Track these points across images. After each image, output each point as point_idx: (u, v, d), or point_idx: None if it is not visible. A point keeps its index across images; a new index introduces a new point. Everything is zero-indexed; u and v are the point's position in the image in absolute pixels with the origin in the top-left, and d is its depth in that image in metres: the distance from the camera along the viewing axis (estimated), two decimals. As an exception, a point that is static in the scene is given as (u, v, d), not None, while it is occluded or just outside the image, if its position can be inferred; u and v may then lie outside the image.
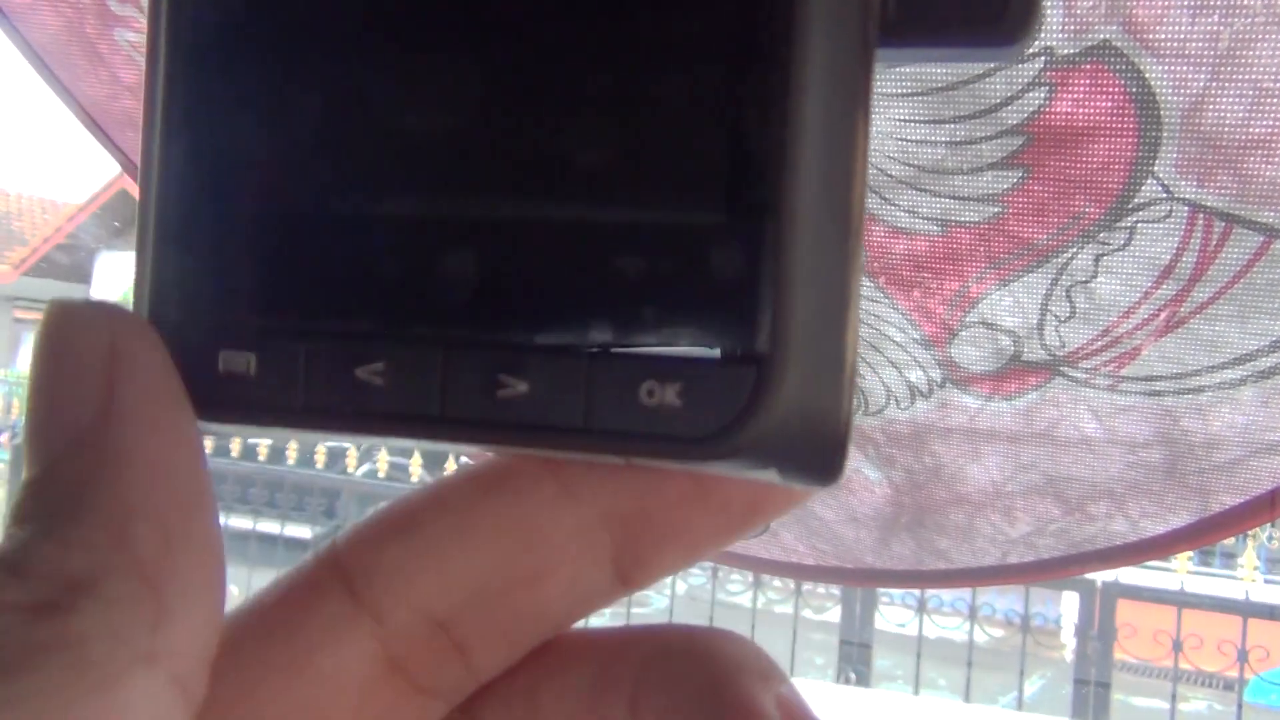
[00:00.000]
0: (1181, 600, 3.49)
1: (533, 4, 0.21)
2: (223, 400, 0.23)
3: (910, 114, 0.55)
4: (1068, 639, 3.80)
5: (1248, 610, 3.35)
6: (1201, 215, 0.54)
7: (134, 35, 0.75)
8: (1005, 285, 0.60)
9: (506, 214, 0.21)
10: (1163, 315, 0.58)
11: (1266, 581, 5.64)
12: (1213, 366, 0.59)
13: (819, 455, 0.21)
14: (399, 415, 0.22)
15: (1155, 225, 0.55)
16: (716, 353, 0.20)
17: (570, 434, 0.21)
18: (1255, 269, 0.55)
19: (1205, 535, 0.70)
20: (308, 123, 0.22)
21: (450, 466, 4.43)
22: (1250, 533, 5.54)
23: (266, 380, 0.22)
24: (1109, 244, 0.56)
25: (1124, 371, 0.61)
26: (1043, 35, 0.50)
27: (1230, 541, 5.87)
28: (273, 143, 0.22)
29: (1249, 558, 4.05)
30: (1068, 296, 0.59)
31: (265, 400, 0.22)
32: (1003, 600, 4.05)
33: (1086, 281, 0.58)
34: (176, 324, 0.23)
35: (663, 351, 0.20)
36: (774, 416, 0.20)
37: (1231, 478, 0.64)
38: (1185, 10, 0.47)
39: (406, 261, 0.22)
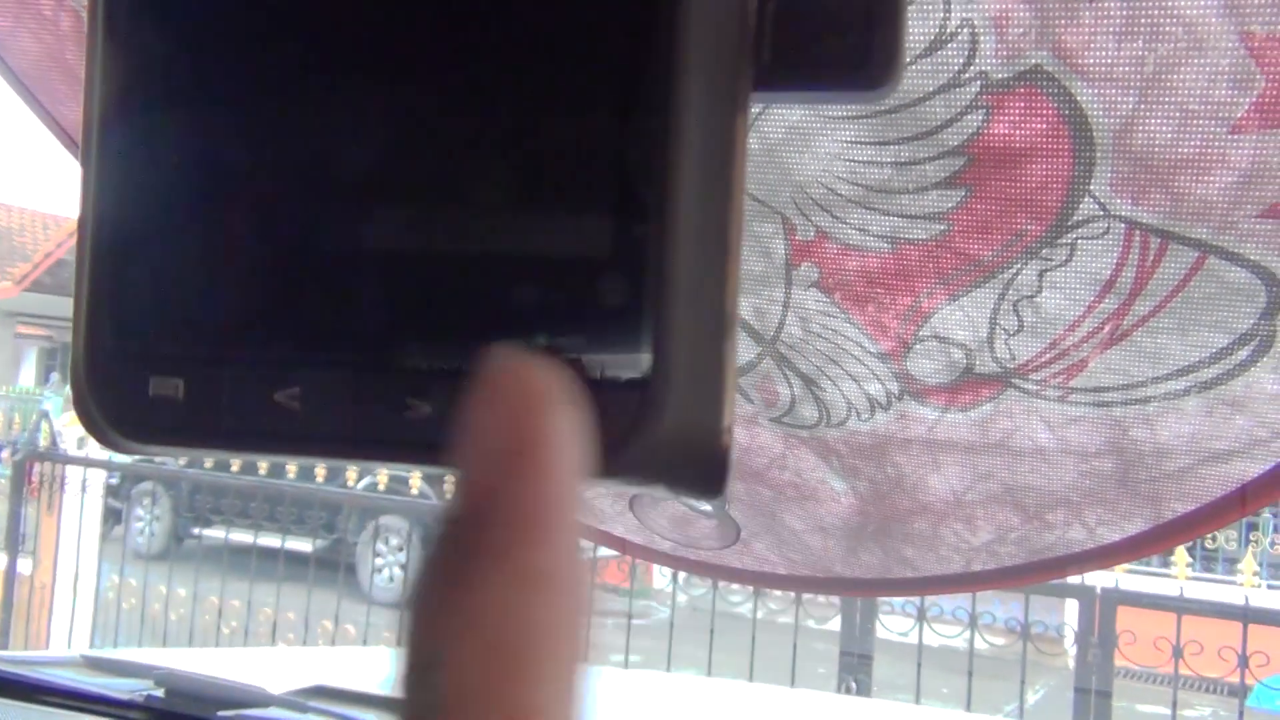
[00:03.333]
0: (1182, 606, 3.48)
1: (436, 52, 0.22)
2: (153, 423, 0.24)
3: (856, 135, 0.56)
4: (1069, 647, 3.78)
5: (1248, 616, 3.34)
6: (1138, 232, 0.55)
7: (114, 62, 0.76)
8: (955, 300, 0.61)
9: (412, 247, 0.23)
10: (1106, 328, 0.59)
11: (1268, 586, 5.62)
12: (1157, 378, 0.61)
13: (702, 472, 0.22)
14: (315, 436, 0.23)
15: (1094, 241, 0.56)
16: (606, 377, 0.21)
17: None
18: (1192, 283, 0.56)
19: (1169, 538, 0.72)
20: (227, 162, 0.24)
21: (450, 478, 4.41)
22: (1251, 538, 5.52)
23: (193, 404, 0.24)
24: (1051, 260, 0.58)
25: (1073, 383, 0.63)
26: (977, 60, 0.51)
27: (1231, 547, 5.86)
28: (195, 181, 0.24)
29: (1249, 563, 4.04)
30: (1015, 310, 0.61)
31: (192, 423, 0.24)
32: (1003, 608, 4.05)
33: (1032, 296, 0.60)
34: (110, 351, 0.24)
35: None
36: (657, 437, 0.21)
37: (1181, 485, 0.66)
38: (1111, 36, 0.48)
39: (321, 292, 0.23)
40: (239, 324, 0.24)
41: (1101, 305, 0.59)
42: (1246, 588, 3.87)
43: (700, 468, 0.22)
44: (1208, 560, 6.54)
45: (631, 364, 0.21)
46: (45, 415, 5.00)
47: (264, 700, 1.26)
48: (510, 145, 0.22)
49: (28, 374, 13.64)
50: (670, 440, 0.21)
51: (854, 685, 3.79)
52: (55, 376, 11.91)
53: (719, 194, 0.22)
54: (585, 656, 0.19)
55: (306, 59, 0.23)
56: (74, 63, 0.77)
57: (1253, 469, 0.64)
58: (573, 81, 0.22)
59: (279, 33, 0.23)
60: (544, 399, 0.20)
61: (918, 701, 3.65)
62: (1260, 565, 4.71)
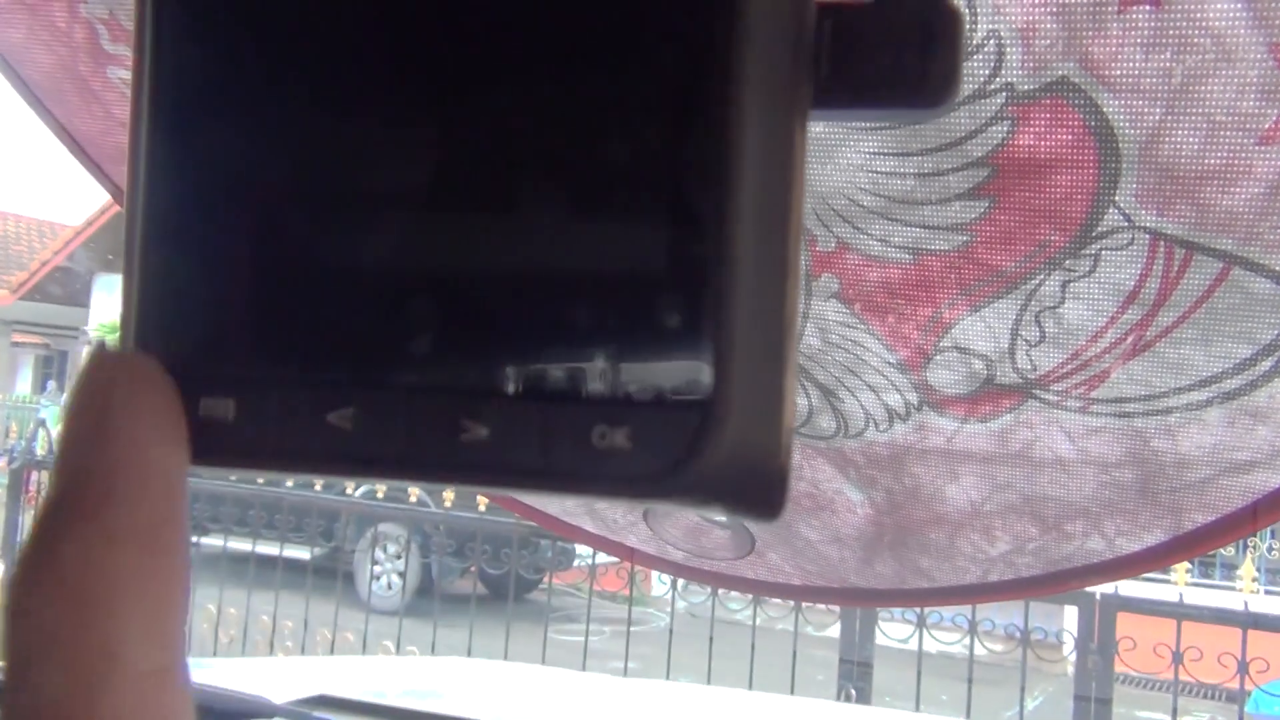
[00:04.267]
0: (1181, 613, 3.48)
1: (493, 69, 0.22)
2: (204, 443, 0.24)
3: (879, 147, 0.56)
4: (1069, 653, 3.78)
5: (1247, 621, 3.34)
6: (1162, 243, 0.55)
7: (126, 72, 0.76)
8: (976, 311, 0.61)
9: (468, 268, 0.22)
10: (1129, 339, 0.59)
11: (1267, 592, 5.63)
12: (1179, 388, 0.61)
13: (760, 491, 0.22)
14: (368, 458, 0.23)
15: (1118, 252, 0.56)
16: (665, 397, 0.21)
17: (528, 475, 0.22)
18: (1216, 294, 0.56)
19: (1186, 550, 0.72)
20: (278, 183, 0.24)
21: (448, 492, 4.41)
22: (1250, 544, 5.53)
23: (244, 425, 0.24)
24: (1075, 270, 0.57)
25: (1094, 394, 0.63)
26: (1003, 71, 0.51)
27: (1230, 553, 5.87)
28: (247, 199, 0.24)
29: (1248, 569, 4.04)
30: (1037, 321, 0.60)
31: (243, 444, 0.24)
32: (1003, 615, 4.05)
33: (1055, 307, 0.60)
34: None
35: (614, 396, 0.21)
36: (717, 456, 0.21)
37: (1202, 496, 0.66)
38: (1139, 48, 0.48)
39: (375, 312, 0.23)
40: (292, 344, 0.24)
41: (1125, 316, 0.59)
42: (1246, 593, 3.88)
43: (759, 488, 0.22)
44: (1206, 566, 6.55)
45: (691, 384, 0.21)
46: (43, 423, 4.99)
47: (268, 710, 1.26)
48: (569, 163, 0.22)
49: (24, 382, 13.63)
50: (729, 460, 0.21)
51: (853, 692, 3.78)
52: (52, 384, 11.89)
53: (778, 211, 0.22)
54: (181, 607, 0.22)
55: (362, 77, 0.23)
56: (87, 74, 0.77)
57: (1273, 480, 0.64)
58: (632, 99, 0.21)
59: (335, 48, 0.23)
60: (120, 383, 0.22)
61: (917, 708, 3.65)
62: (1259, 571, 4.71)
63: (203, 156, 0.24)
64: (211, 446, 0.24)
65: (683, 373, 0.21)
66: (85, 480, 0.22)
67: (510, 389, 0.22)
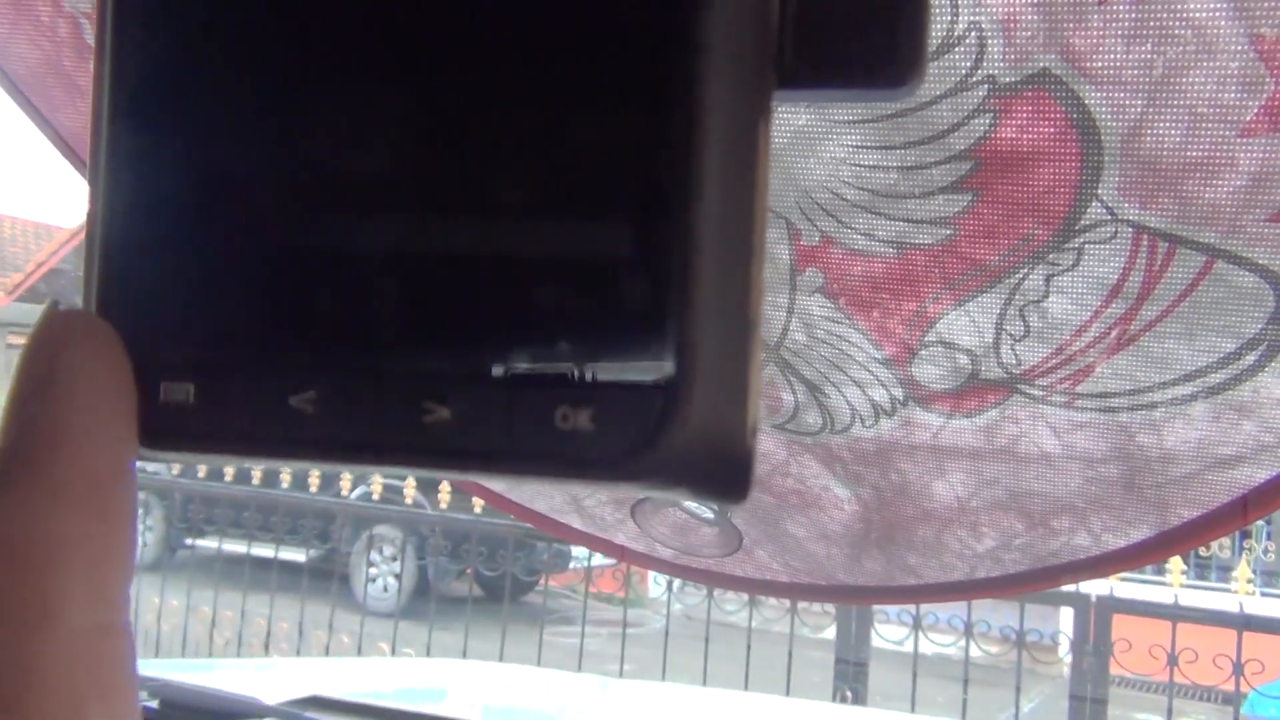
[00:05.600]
0: (1176, 614, 3.48)
1: (453, 51, 0.22)
2: (164, 428, 0.24)
3: (862, 140, 0.56)
4: (1064, 655, 3.79)
5: (1243, 623, 3.34)
6: (1146, 236, 0.55)
7: (111, 68, 0.76)
8: (961, 305, 0.61)
9: (428, 249, 0.22)
10: (1114, 333, 0.59)
11: (1262, 594, 5.62)
12: (1164, 383, 0.60)
13: (726, 475, 0.22)
14: (330, 442, 0.23)
15: (1102, 246, 0.56)
16: (629, 379, 0.21)
17: (491, 458, 0.22)
18: (1200, 288, 0.56)
19: (1172, 546, 0.71)
20: (240, 164, 0.23)
21: (444, 489, 4.41)
22: (1245, 546, 5.52)
23: (205, 409, 0.24)
24: (1058, 264, 0.57)
25: (1079, 388, 0.63)
26: (985, 64, 0.51)
27: (1225, 555, 5.87)
28: (204, 183, 0.24)
29: (1243, 571, 4.04)
30: (1021, 316, 0.60)
31: (204, 428, 0.24)
32: (998, 616, 4.05)
33: (1039, 301, 0.59)
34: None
35: (577, 378, 0.21)
36: (681, 439, 0.21)
37: (1187, 491, 0.65)
38: (1120, 39, 0.48)
39: (337, 295, 0.23)
40: (252, 327, 0.23)
41: (1109, 310, 0.58)
42: (1241, 595, 3.87)
43: (724, 471, 0.22)
44: (1202, 568, 6.55)
45: (655, 366, 0.21)
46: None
47: (259, 711, 1.26)
48: (529, 146, 0.22)
49: (19, 384, 13.58)
50: (694, 443, 0.21)
51: (849, 694, 3.78)
52: (46, 386, 11.84)
53: (742, 193, 0.22)
54: (126, 568, 0.21)
55: (321, 57, 0.23)
56: (71, 69, 0.77)
57: (1259, 475, 0.64)
58: (592, 83, 0.21)
59: (294, 27, 0.23)
60: (73, 340, 0.22)
61: (913, 710, 3.64)
62: (1254, 573, 4.71)
63: (163, 137, 0.24)
64: (172, 431, 0.24)
65: (647, 354, 0.21)
66: (31, 433, 0.21)
67: (472, 371, 0.22)
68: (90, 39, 0.73)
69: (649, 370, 0.21)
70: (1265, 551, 5.70)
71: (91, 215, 0.24)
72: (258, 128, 0.23)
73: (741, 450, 0.22)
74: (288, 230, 0.23)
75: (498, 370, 0.22)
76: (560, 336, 0.21)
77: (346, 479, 5.07)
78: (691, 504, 0.83)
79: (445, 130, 0.22)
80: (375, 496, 4.91)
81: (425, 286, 0.22)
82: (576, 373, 0.21)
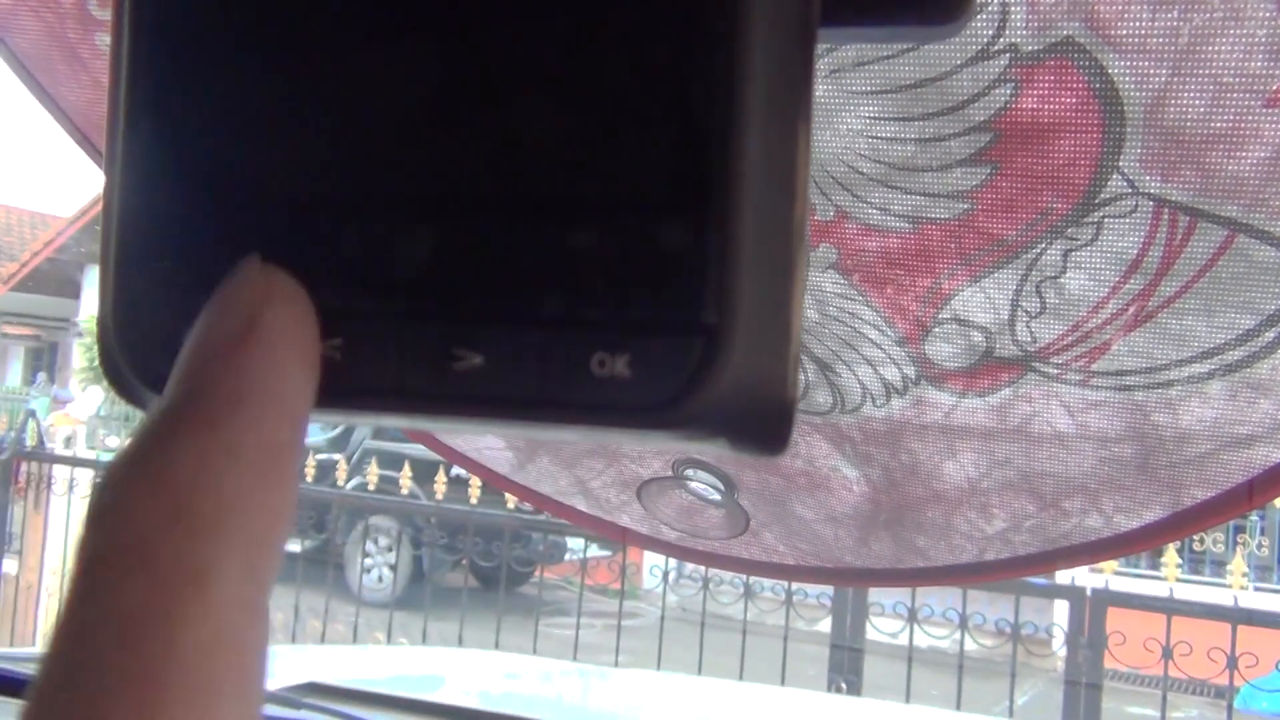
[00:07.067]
0: (1171, 608, 3.49)
1: None
2: None
3: (880, 112, 0.55)
4: (1059, 647, 3.79)
5: (1237, 617, 3.35)
6: (1166, 210, 0.54)
7: (114, 40, 0.75)
8: (976, 281, 0.60)
9: (461, 190, 0.22)
10: (1131, 310, 0.58)
11: (1256, 588, 5.64)
12: (1181, 360, 0.60)
13: (766, 424, 0.21)
14: (357, 389, 0.22)
15: (1122, 220, 0.55)
16: (668, 323, 0.20)
17: (523, 406, 0.21)
18: (1220, 263, 0.55)
19: (1182, 528, 0.71)
20: (268, 107, 0.23)
21: (440, 479, 4.41)
22: (1240, 540, 5.54)
23: None
24: (1077, 239, 0.57)
25: (1095, 366, 0.62)
26: (1007, 32, 0.50)
27: (1219, 549, 5.88)
28: (234, 128, 0.23)
29: (1238, 564, 4.05)
30: (1038, 292, 0.60)
31: None
32: (993, 609, 4.05)
33: (1056, 277, 0.59)
34: (141, 309, 0.23)
35: (614, 322, 0.21)
36: (721, 386, 0.20)
37: (1202, 471, 0.65)
38: (1146, 6, 0.47)
39: (364, 239, 0.22)
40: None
41: (1127, 286, 0.58)
42: (1235, 589, 3.88)
43: (765, 421, 0.21)
44: (1196, 562, 6.57)
45: (694, 310, 0.20)
46: (32, 414, 4.97)
47: (257, 697, 1.25)
48: (564, 78, 0.21)
49: (14, 374, 13.60)
50: (734, 392, 0.20)
51: (844, 686, 3.79)
52: (42, 376, 11.86)
53: (785, 132, 0.21)
54: (283, 543, 0.20)
55: (345, 8, 0.22)
56: (75, 42, 0.76)
57: (1275, 455, 0.63)
58: (632, 16, 0.21)
59: None
60: (266, 299, 0.21)
61: (908, 702, 3.65)
62: (1249, 567, 4.73)
63: (188, 78, 0.23)
64: None
65: (687, 298, 0.20)
66: (214, 388, 0.20)
67: (504, 315, 0.21)
68: (94, 9, 0.72)
69: (689, 314, 0.20)
70: (1260, 546, 5.71)
71: (109, 164, 0.24)
72: (280, 68, 0.22)
73: (783, 399, 0.21)
74: (313, 174, 0.22)
75: (532, 315, 0.21)
76: (597, 280, 0.21)
77: (342, 470, 5.07)
78: (698, 485, 0.83)
79: (479, 69, 0.21)
80: (371, 487, 4.91)
81: (455, 228, 0.22)
82: (614, 316, 0.20)
